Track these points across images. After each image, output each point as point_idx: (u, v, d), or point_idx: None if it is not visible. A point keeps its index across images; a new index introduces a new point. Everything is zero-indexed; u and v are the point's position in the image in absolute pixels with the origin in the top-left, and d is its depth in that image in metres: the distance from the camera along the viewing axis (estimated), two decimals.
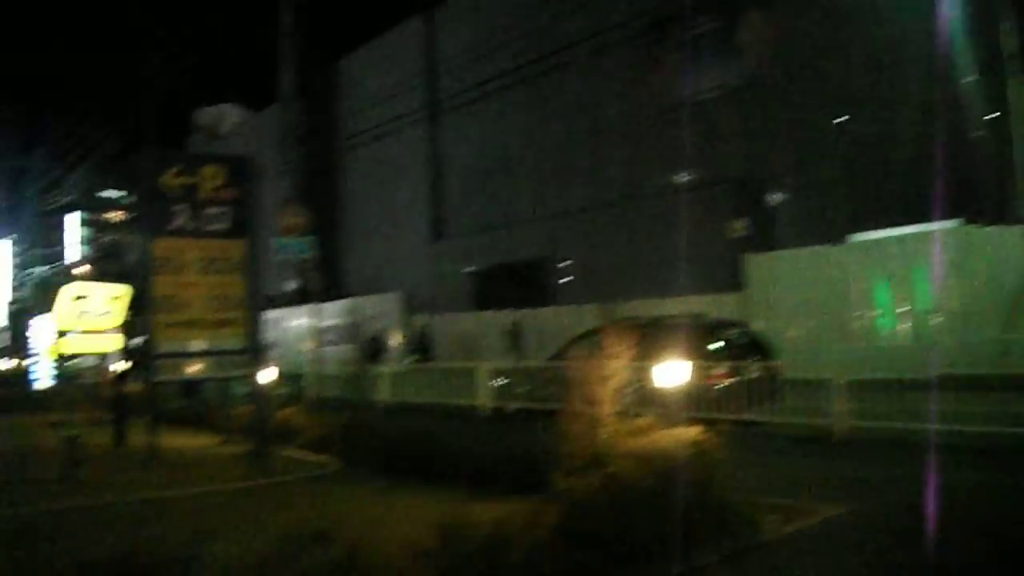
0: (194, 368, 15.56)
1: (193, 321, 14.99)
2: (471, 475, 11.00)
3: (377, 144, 37.12)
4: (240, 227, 15.57)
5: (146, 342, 15.06)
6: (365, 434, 14.24)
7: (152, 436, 14.77)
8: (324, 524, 8.69)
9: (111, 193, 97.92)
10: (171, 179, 15.12)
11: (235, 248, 15.49)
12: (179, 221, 15.07)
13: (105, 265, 73.50)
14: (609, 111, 29.81)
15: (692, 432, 8.75)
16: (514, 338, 23.31)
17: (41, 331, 31.48)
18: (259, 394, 15.56)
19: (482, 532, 7.03)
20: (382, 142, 36.67)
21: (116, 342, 23.95)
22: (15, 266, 66.76)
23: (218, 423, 18.40)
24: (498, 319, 27.16)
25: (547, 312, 26.52)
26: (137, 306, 17.55)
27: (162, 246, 14.89)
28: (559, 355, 19.00)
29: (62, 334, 23.27)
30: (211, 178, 15.47)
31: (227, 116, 59.06)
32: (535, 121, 32.55)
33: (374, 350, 24.02)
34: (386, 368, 22.74)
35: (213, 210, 15.39)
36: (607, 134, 29.81)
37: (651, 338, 13.54)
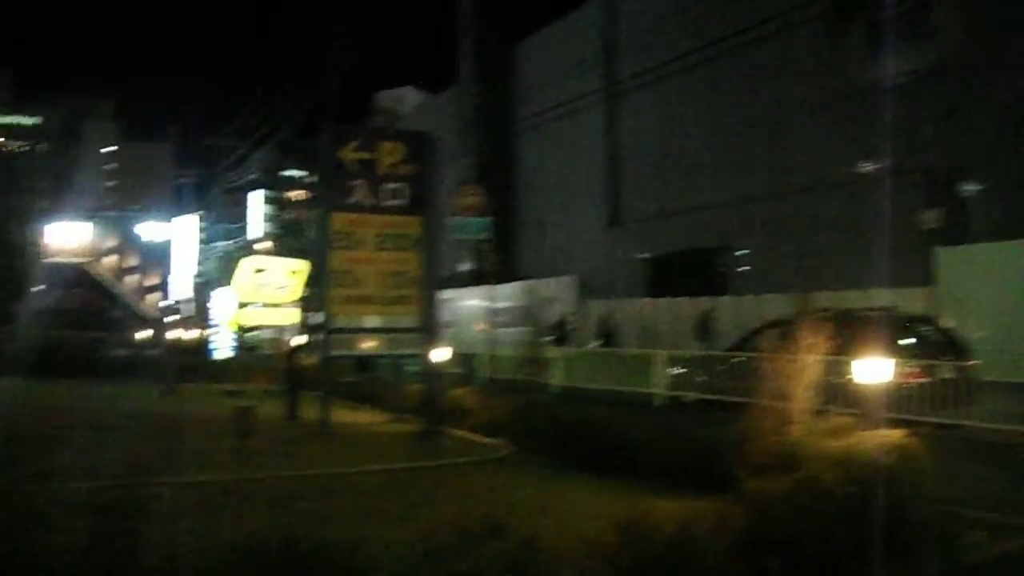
0: (367, 344, 15.45)
1: (368, 297, 14.89)
2: (648, 468, 10.40)
3: (554, 127, 36.74)
4: (417, 203, 15.39)
5: (321, 318, 15.04)
6: (538, 419, 13.82)
7: (324, 410, 14.73)
8: (495, 512, 8.23)
9: (293, 172, 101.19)
10: (350, 154, 15.05)
11: (412, 224, 15.31)
12: (357, 196, 14.98)
13: (286, 242, 75.86)
14: (793, 95, 28.48)
15: (895, 436, 7.88)
16: (703, 326, 22.47)
17: (222, 303, 32.42)
18: (431, 373, 15.35)
19: (665, 533, 6.40)
20: (559, 125, 36.26)
21: (293, 316, 24.29)
22: (201, 241, 69.63)
23: (389, 400, 18.34)
24: (675, 306, 26.38)
25: (725, 301, 25.59)
26: (314, 282, 17.64)
27: (339, 220, 14.83)
28: (739, 345, 18.16)
29: (242, 306, 23.72)
30: (389, 153, 15.34)
31: (407, 99, 59.95)
32: (715, 105, 31.50)
33: (561, 334, 23.59)
34: (559, 352, 22.28)
35: (391, 185, 15.26)
36: (790, 119, 28.51)
37: (844, 331, 12.59)
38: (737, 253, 28.67)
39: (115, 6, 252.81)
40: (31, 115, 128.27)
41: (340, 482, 10.55)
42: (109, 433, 13.79)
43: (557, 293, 27.95)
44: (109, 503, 8.47)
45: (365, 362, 20.77)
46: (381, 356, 17.20)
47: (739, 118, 30.20)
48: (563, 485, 10.56)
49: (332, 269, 14.68)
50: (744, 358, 16.27)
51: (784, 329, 10.91)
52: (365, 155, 15.15)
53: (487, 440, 14.16)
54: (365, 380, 21.09)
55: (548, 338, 23.35)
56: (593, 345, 23.43)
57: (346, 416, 17.32)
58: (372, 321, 15.24)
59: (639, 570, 5.97)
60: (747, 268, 28.26)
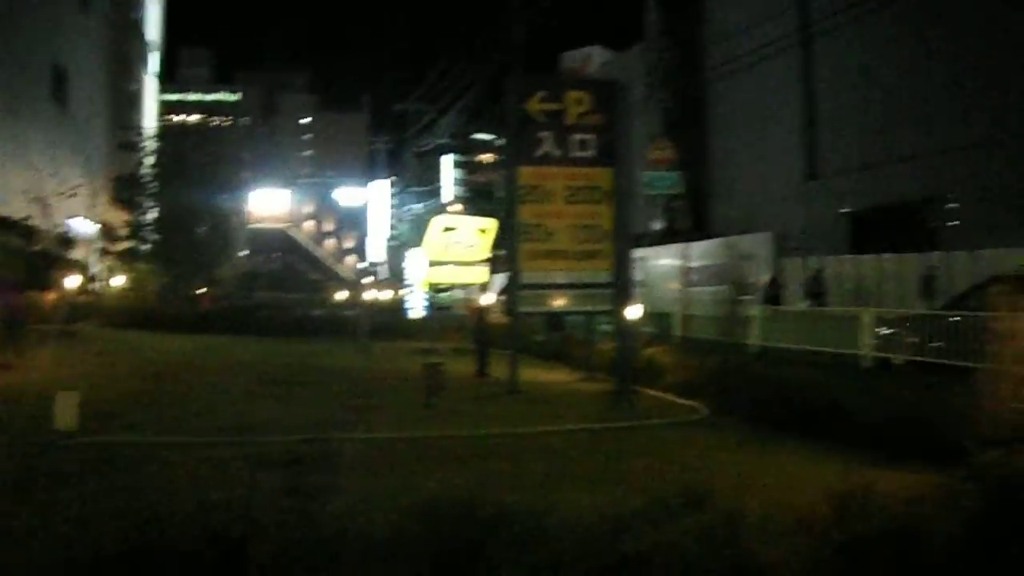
0: (558, 301, 14.99)
1: (558, 251, 14.45)
2: (861, 435, 9.58)
3: (746, 77, 35.22)
4: (607, 154, 14.81)
5: (510, 275, 14.71)
6: (737, 380, 13.11)
7: (513, 369, 14.40)
8: (694, 479, 7.68)
9: (483, 136, 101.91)
10: (537, 105, 14.60)
11: (602, 176, 14.76)
12: (545, 148, 14.54)
13: (476, 204, 76.68)
14: (1008, 32, 26.23)
15: None
16: (927, 284, 20.99)
17: (415, 264, 32.74)
18: (624, 331, 14.80)
19: (887, 511, 5.67)
20: (751, 75, 34.72)
21: (482, 274, 24.18)
22: (393, 205, 71.14)
23: (580, 359, 17.93)
24: (884, 263, 24.81)
25: (939, 257, 23.90)
26: (504, 240, 17.38)
27: (527, 173, 14.41)
28: (957, 304, 16.78)
29: (432, 264, 23.78)
30: (577, 104, 14.81)
31: (593, 58, 59.15)
32: (919, 46, 29.35)
33: (773, 293, 22.57)
34: (758, 311, 21.30)
35: (579, 136, 14.74)
36: (1004, 61, 26.26)
37: None
38: (946, 207, 26.75)
39: None
40: (232, 92, 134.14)
41: (529, 442, 10.19)
42: (303, 388, 13.91)
43: (752, 250, 26.81)
44: (298, 458, 8.41)
45: (555, 320, 20.38)
46: (572, 313, 16.73)
47: (950, 58, 28.01)
48: (766, 451, 9.87)
49: (521, 223, 14.30)
50: (964, 318, 14.95)
51: (1015, 285, 9.81)
52: (552, 106, 14.67)
53: (683, 401, 13.55)
54: (555, 338, 20.72)
55: (747, 296, 22.35)
56: (804, 305, 22.27)
57: (536, 374, 17.01)
58: (562, 276, 14.75)
59: (858, 552, 5.25)
60: (957, 222, 26.36)
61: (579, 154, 14.70)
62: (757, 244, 27.50)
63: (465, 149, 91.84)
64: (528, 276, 14.47)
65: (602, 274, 14.70)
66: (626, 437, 10.79)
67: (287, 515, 5.97)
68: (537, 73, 17.95)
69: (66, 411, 9.37)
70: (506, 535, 5.49)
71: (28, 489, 7.03)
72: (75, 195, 26.68)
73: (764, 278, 24.11)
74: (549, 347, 20.35)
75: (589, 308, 15.37)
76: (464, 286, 24.82)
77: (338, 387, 14.17)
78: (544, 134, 14.55)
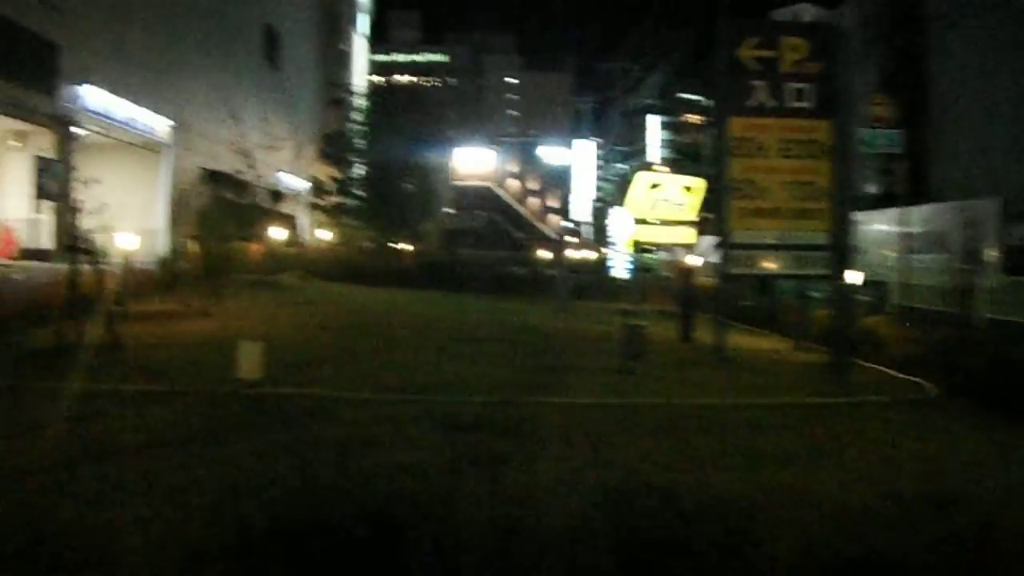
0: (769, 263, 13.88)
1: (771, 210, 13.36)
2: None
3: (971, 28, 32.50)
4: (826, 105, 13.61)
5: (719, 235, 13.72)
6: (968, 356, 11.78)
7: (719, 334, 13.46)
8: (926, 471, 6.69)
9: (689, 95, 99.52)
10: (750, 52, 13.52)
11: (820, 129, 13.55)
12: (758, 98, 13.45)
13: (681, 166, 75.01)
14: None
15: None
16: None
17: (618, 222, 31.92)
18: (841, 298, 13.63)
19: None
20: (976, 24, 31.99)
21: (689, 235, 23.14)
22: (598, 165, 70.37)
23: (792, 326, 16.81)
24: None
25: None
26: (712, 202, 16.34)
27: (739, 125, 13.37)
28: None
29: (637, 222, 22.90)
30: (793, 51, 13.64)
31: (803, 15, 56.65)
32: None
33: (1013, 263, 20.62)
34: (990, 280, 19.50)
35: (795, 86, 13.58)
36: None
37: None
38: None
39: None
40: (440, 53, 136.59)
41: (735, 415, 9.30)
42: (497, 347, 13.43)
43: (979, 216, 24.68)
44: (482, 421, 7.88)
45: (765, 283, 19.20)
46: (785, 276, 15.52)
47: None
48: (1009, 440, 8.67)
49: (732, 179, 13.30)
50: None
51: None
52: (766, 53, 13.56)
53: (905, 377, 12.30)
54: (764, 303, 19.55)
55: (977, 265, 20.48)
56: None
57: (743, 341, 16.02)
58: (776, 237, 13.62)
59: None
60: None
61: (795, 104, 13.55)
62: (984, 209, 25.33)
63: (671, 109, 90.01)
64: (739, 235, 13.44)
65: (819, 235, 13.53)
66: (844, 414, 9.74)
67: (460, 490, 5.43)
68: (750, 19, 16.63)
69: (250, 360, 9.18)
70: (712, 532, 4.74)
71: (197, 439, 6.87)
72: (281, 149, 27.12)
73: (990, 247, 22.08)
74: (758, 313, 19.23)
75: (804, 272, 14.10)
76: (669, 246, 23.80)
77: (533, 347, 13.66)
78: (757, 83, 13.47)
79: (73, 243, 11.13)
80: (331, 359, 11.26)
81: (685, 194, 22.86)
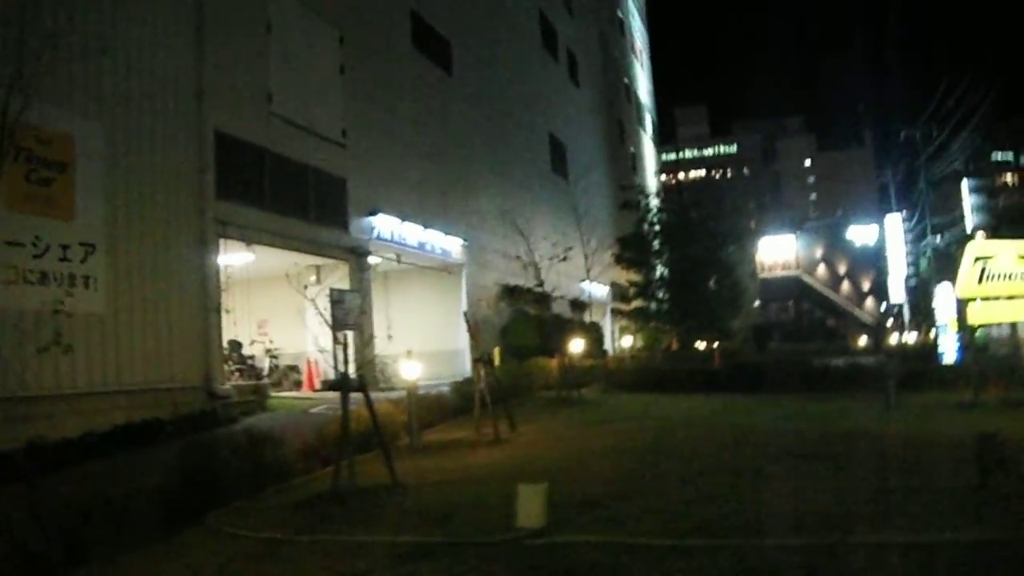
0: None
1: None
2: None
3: None
4: None
5: None
6: None
7: None
8: None
9: (1002, 154, 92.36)
10: None
11: None
12: None
13: (1001, 232, 68.71)
14: None
15: None
16: None
17: (943, 301, 28.88)
18: None
19: None
20: None
21: None
22: (908, 240, 65.73)
23: None
24: None
25: None
26: None
27: None
28: None
29: (967, 300, 20.20)
30: None
31: None
32: None
33: None
34: None
35: None
36: None
37: None
38: None
39: (784, 29, 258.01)
40: (728, 144, 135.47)
41: None
42: (822, 464, 11.44)
43: None
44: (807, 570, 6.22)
45: None
46: None
47: None
48: None
49: None
50: None
51: None
52: None
53: None
54: None
55: None
56: None
57: None
58: None
59: None
60: None
61: None
62: None
63: (983, 172, 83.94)
64: None
65: None
66: None
67: None
68: None
69: (531, 506, 7.94)
70: None
71: None
72: (572, 258, 26.52)
73: None
74: None
75: None
76: (1009, 322, 20.81)
77: (864, 460, 11.54)
78: None
79: (343, 379, 10.40)
80: (627, 493, 9.76)
81: (1020, 263, 19.99)
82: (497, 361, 23.86)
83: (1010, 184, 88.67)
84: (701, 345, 42.40)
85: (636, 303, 40.03)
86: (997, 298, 20.58)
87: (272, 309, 23.56)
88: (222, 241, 18.35)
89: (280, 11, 20.79)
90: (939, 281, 37.77)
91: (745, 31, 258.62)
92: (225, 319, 18.89)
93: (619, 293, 44.05)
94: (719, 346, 42.86)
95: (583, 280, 30.36)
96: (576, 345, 24.71)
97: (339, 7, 23.43)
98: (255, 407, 18.50)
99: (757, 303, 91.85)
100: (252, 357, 23.76)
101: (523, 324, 30.08)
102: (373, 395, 11.04)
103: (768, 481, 10.18)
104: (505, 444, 14.16)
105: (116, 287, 15.20)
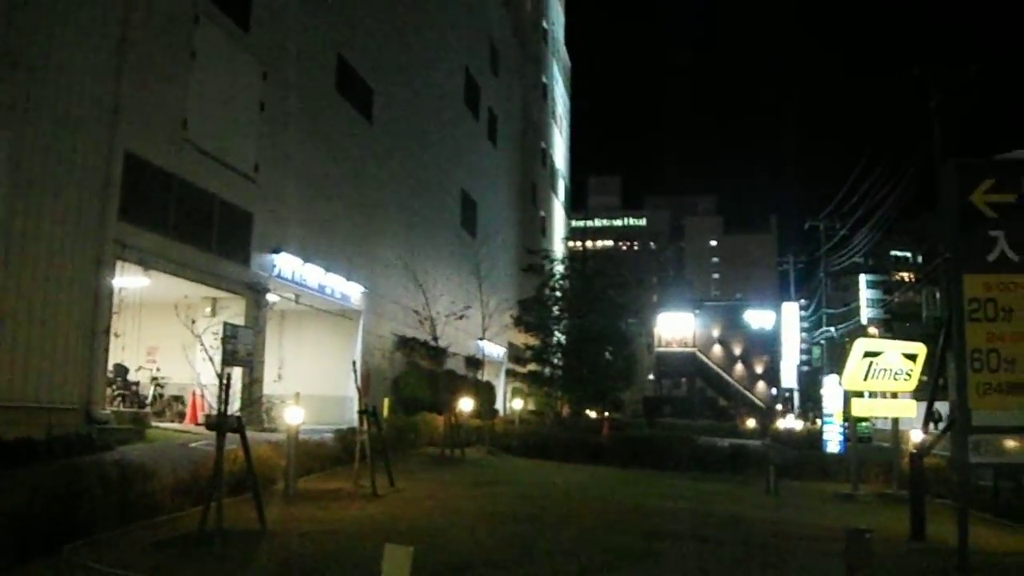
0: (1017, 447, 11.53)
1: (1020, 384, 11.16)
2: None
3: None
4: None
5: (953, 413, 11.56)
6: None
7: (963, 538, 11.03)
8: None
9: (899, 252, 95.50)
10: (984, 196, 11.63)
11: None
12: (997, 251, 11.48)
13: (896, 327, 71.13)
14: None
15: None
16: None
17: (830, 391, 29.57)
18: None
19: None
20: None
21: (910, 408, 20.83)
22: (803, 328, 67.51)
23: None
24: None
25: None
26: (937, 367, 14.11)
27: (977, 284, 11.35)
28: None
29: (853, 394, 20.77)
30: None
31: None
32: None
33: None
34: None
35: None
36: None
37: None
38: None
39: (708, 110, 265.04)
40: (638, 217, 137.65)
41: None
42: (697, 546, 11.54)
43: None
44: None
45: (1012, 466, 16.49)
46: None
47: None
48: None
49: (969, 348, 11.22)
50: None
51: None
52: (1004, 197, 11.61)
53: None
54: (1008, 486, 16.72)
55: None
56: None
57: (985, 537, 13.46)
58: None
59: None
60: None
61: None
62: None
63: (881, 267, 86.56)
64: (979, 417, 11.24)
65: None
66: None
67: None
68: (979, 158, 14.64)
69: (396, 568, 7.78)
70: None
71: None
72: (464, 316, 26.58)
73: None
74: (997, 497, 16.47)
75: None
76: (887, 418, 21.42)
77: (738, 549, 11.66)
78: (996, 233, 11.51)
79: (222, 419, 10.14)
80: (499, 560, 9.70)
81: (906, 362, 20.66)
82: (386, 412, 23.64)
83: (906, 280, 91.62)
84: (593, 413, 42.68)
85: (531, 366, 40.14)
86: (882, 394, 21.22)
87: (163, 337, 22.94)
88: (119, 263, 17.94)
89: (206, 40, 20.62)
90: (830, 371, 38.73)
91: (665, 108, 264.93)
92: (113, 343, 18.43)
93: (515, 355, 44.13)
94: (609, 416, 43.19)
95: (480, 338, 30.37)
96: (465, 403, 24.62)
97: (267, 43, 23.34)
98: (134, 436, 17.96)
99: (651, 376, 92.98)
100: (137, 384, 23.12)
101: (415, 377, 29.92)
102: (256, 436, 10.82)
103: (641, 561, 10.22)
104: (382, 499, 13.98)
105: (2, 296, 14.71)
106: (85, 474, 10.64)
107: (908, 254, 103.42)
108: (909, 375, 20.58)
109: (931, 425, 16.31)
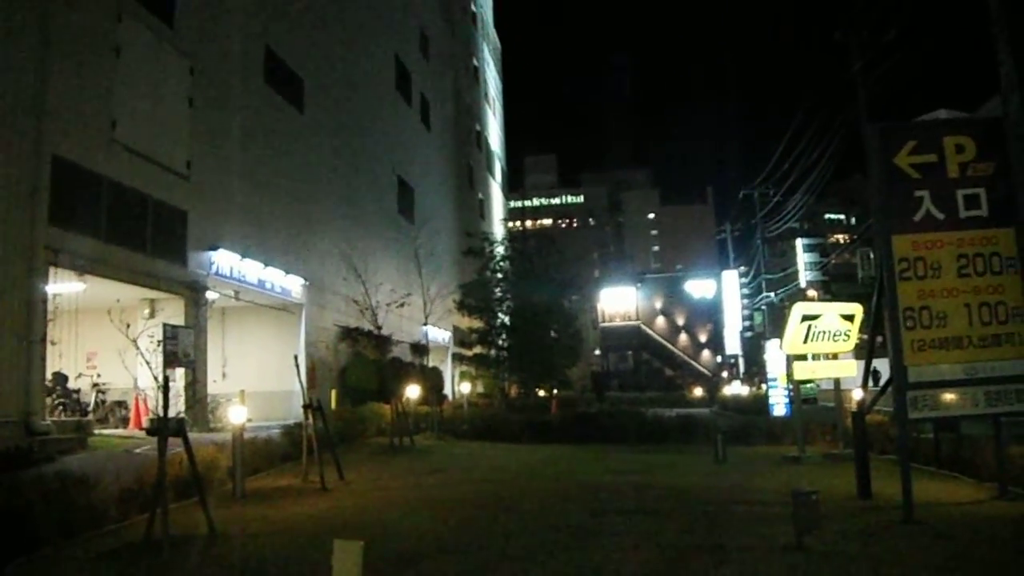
0: (956, 402, 11.78)
1: (952, 339, 11.42)
2: None
3: None
4: (1003, 211, 11.73)
5: (892, 371, 11.78)
6: None
7: (907, 490, 11.25)
8: None
9: (833, 215, 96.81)
10: (907, 158, 11.85)
11: (1001, 239, 11.66)
12: (924, 210, 11.71)
13: (834, 288, 72.17)
14: None
15: None
16: None
17: (773, 356, 29.96)
18: None
19: None
20: None
21: (850, 367, 21.21)
22: (744, 295, 68.17)
23: (985, 467, 14.49)
24: None
25: None
26: (873, 326, 14.35)
27: (904, 244, 11.61)
28: None
29: (796, 358, 21.10)
30: (958, 152, 11.90)
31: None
32: None
33: None
34: None
35: (965, 192, 11.78)
36: None
37: None
38: None
39: (640, 84, 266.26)
40: (575, 194, 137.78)
41: None
42: (645, 519, 11.66)
43: None
44: None
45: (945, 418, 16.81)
46: (976, 416, 13.08)
47: None
48: None
49: (901, 307, 11.44)
50: None
51: None
52: (927, 158, 11.85)
53: None
54: (945, 438, 17.07)
55: None
56: None
57: (931, 490, 13.77)
58: (962, 371, 11.57)
59: None
60: None
61: (968, 214, 11.73)
62: None
63: (816, 231, 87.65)
64: (916, 373, 11.49)
65: (1014, 363, 11.49)
66: None
67: None
68: (901, 121, 14.86)
69: (346, 563, 7.75)
70: None
71: None
72: (405, 304, 26.50)
73: None
74: (938, 449, 16.83)
75: (998, 408, 11.92)
76: (830, 379, 21.77)
77: (687, 517, 11.77)
78: (921, 193, 11.74)
79: (162, 422, 10.00)
80: (450, 547, 9.71)
81: (843, 323, 21.00)
82: (333, 404, 23.48)
83: (841, 242, 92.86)
84: (542, 392, 42.79)
85: (477, 349, 40.15)
86: (822, 356, 21.55)
87: (102, 342, 22.53)
88: (53, 269, 17.58)
89: (130, 37, 20.21)
90: (772, 336, 39.20)
91: (597, 84, 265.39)
92: (51, 351, 18.06)
93: (461, 339, 44.10)
94: (558, 394, 43.33)
95: (424, 324, 30.29)
96: (412, 390, 24.57)
97: (192, 38, 22.93)
98: (76, 445, 17.65)
99: (597, 352, 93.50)
100: (78, 391, 22.71)
101: (361, 367, 29.78)
102: (201, 437, 10.68)
103: (590, 537, 10.28)
104: (331, 493, 13.93)
105: None
106: (25, 489, 10.42)
107: (842, 216, 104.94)
108: (847, 336, 20.95)
109: (870, 383, 16.59)
